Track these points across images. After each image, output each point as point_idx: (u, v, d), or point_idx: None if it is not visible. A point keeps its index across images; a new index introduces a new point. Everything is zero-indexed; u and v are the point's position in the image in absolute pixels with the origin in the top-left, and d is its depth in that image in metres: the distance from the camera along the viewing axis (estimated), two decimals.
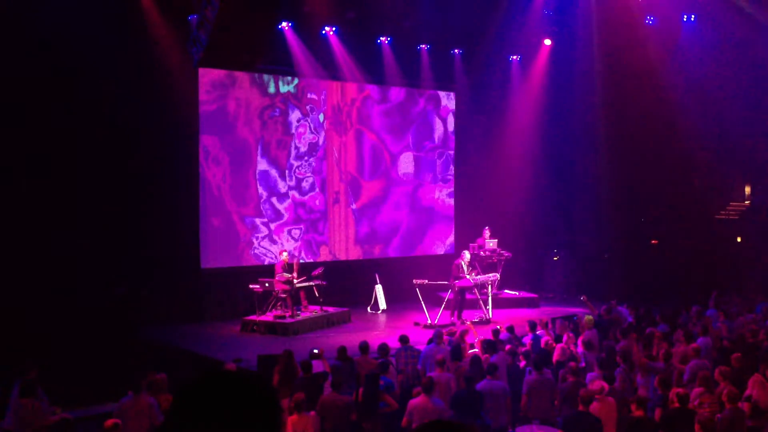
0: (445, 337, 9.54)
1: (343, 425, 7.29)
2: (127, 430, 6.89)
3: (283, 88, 15.45)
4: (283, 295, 13.05)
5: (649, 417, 6.87)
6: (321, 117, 15.96)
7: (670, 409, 7.08)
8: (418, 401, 7.12)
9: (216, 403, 1.28)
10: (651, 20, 16.65)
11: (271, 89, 15.31)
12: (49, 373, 8.04)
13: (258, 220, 15.12)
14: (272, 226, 15.33)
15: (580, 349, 9.81)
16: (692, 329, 10.45)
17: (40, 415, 7.02)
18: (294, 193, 15.66)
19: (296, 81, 15.56)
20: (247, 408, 1.30)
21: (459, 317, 13.86)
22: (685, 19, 16.38)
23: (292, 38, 14.86)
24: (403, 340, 9.57)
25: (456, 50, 17.37)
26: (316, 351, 8.98)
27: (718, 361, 8.91)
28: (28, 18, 11.54)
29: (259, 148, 15.10)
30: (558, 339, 10.33)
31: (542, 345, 9.95)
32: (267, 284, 12.93)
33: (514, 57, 18.08)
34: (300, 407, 6.76)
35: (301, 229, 15.76)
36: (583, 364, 9.22)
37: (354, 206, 16.60)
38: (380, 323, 14.31)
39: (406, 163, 17.44)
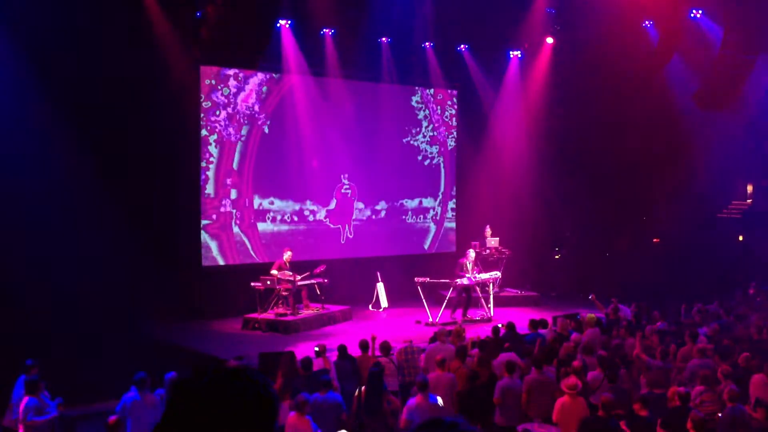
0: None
1: (332, 425, 7.27)
2: (131, 427, 6.91)
3: (286, 86, 15.45)
4: (285, 293, 13.06)
5: (651, 417, 6.85)
6: (324, 115, 15.95)
7: (670, 408, 7.07)
8: (415, 401, 7.10)
9: (212, 399, 1.28)
10: (649, 23, 16.66)
11: (273, 87, 15.31)
12: (51, 371, 8.05)
13: (260, 218, 15.13)
14: (275, 224, 15.34)
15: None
16: (695, 328, 10.42)
17: (44, 413, 7.04)
18: (297, 191, 15.66)
19: (298, 79, 15.56)
20: (243, 403, 1.30)
21: (464, 315, 13.88)
22: (692, 16, 16.30)
23: (293, 37, 14.89)
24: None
25: (459, 48, 17.38)
26: (317, 349, 8.98)
27: (724, 359, 8.86)
28: (27, 15, 11.56)
29: (261, 145, 15.10)
30: (561, 337, 10.31)
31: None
32: (269, 282, 12.94)
33: (516, 54, 18.07)
34: (301, 408, 6.73)
35: (304, 226, 15.77)
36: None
37: (357, 204, 16.61)
38: (382, 321, 14.30)
39: (407, 161, 17.43)
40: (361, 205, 16.72)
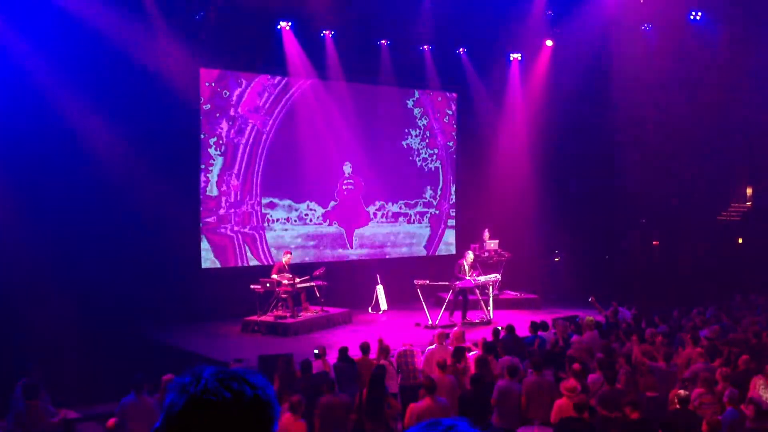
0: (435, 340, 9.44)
1: (341, 426, 7.26)
2: (129, 430, 6.90)
3: (286, 88, 15.46)
4: (284, 296, 13.06)
5: (646, 419, 6.84)
6: (324, 117, 15.94)
7: (670, 411, 7.07)
8: (422, 404, 7.04)
9: (210, 402, 1.28)
10: (648, 27, 16.68)
11: (273, 89, 15.32)
12: (51, 373, 8.05)
13: (260, 220, 15.13)
14: (274, 225, 15.33)
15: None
16: (697, 331, 10.40)
17: (44, 417, 7.03)
18: (296, 193, 15.66)
19: (298, 81, 15.57)
20: (242, 406, 1.30)
21: (464, 318, 13.85)
22: (692, 17, 16.31)
23: (292, 40, 14.91)
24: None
25: (458, 51, 17.39)
26: (316, 351, 8.96)
27: (729, 362, 8.85)
28: (26, 16, 11.58)
29: (261, 147, 15.11)
30: (562, 340, 10.30)
31: (548, 346, 9.93)
32: (268, 284, 12.94)
33: (516, 57, 18.08)
34: (296, 409, 6.69)
35: (303, 229, 15.76)
36: None
37: (356, 206, 16.61)
38: (381, 324, 14.28)
39: (406, 163, 17.44)
40: (360, 207, 16.71)
